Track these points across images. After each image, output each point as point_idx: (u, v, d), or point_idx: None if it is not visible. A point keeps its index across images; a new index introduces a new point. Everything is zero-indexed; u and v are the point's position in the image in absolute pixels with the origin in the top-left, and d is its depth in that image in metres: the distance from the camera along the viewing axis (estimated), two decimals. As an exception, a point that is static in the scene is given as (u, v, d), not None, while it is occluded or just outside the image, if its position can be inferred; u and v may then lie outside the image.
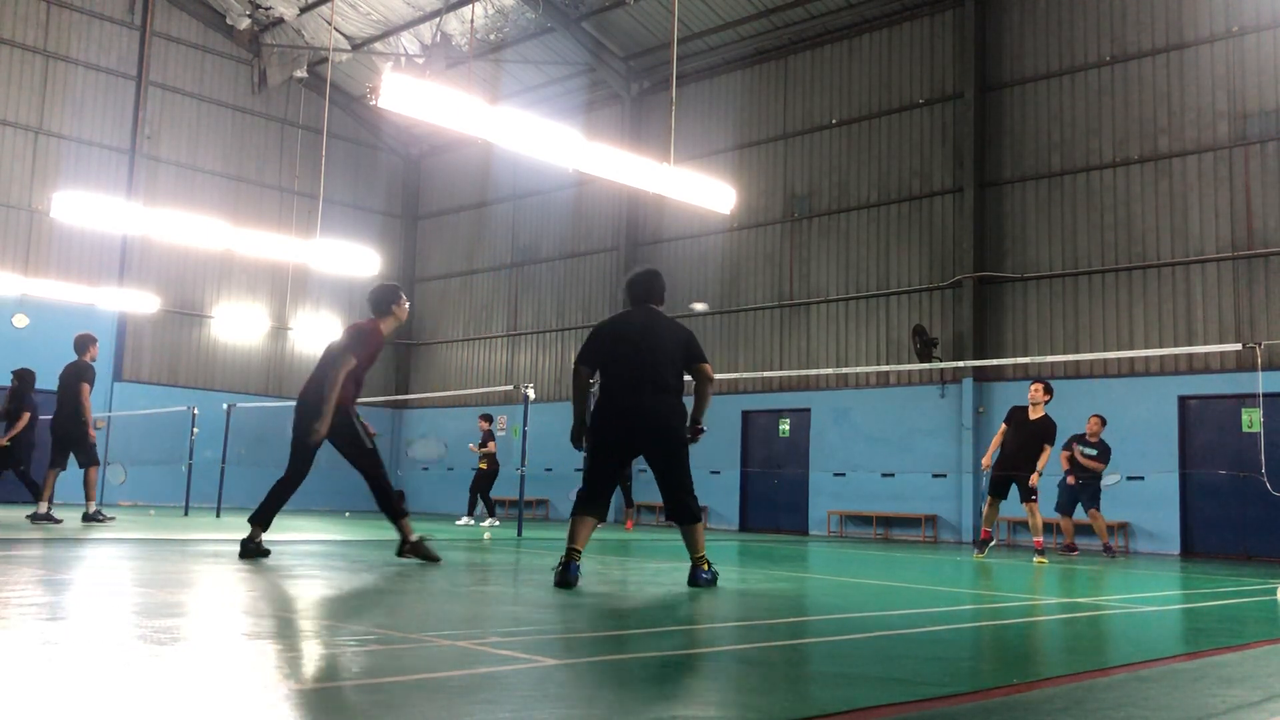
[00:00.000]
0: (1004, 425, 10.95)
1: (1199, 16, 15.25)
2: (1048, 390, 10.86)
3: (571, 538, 5.89)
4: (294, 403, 7.42)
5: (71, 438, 11.40)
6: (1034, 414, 10.76)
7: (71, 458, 11.52)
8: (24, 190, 20.60)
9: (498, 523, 15.68)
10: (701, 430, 6.16)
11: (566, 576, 5.67)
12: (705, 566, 6.06)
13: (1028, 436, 10.66)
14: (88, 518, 11.37)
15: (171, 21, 22.76)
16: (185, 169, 22.71)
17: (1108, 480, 13.32)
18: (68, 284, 19.68)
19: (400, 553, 7.13)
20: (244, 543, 7.03)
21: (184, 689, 2.60)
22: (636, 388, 6.01)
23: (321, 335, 24.77)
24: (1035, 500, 10.67)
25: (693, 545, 6.09)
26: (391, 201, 26.59)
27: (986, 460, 11.04)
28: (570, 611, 4.70)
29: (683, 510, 6.07)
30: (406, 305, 7.59)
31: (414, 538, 7.15)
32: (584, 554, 6.30)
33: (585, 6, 20.51)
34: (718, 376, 18.00)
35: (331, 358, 7.22)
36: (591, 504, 6.02)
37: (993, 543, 11.12)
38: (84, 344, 11.70)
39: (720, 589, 6.29)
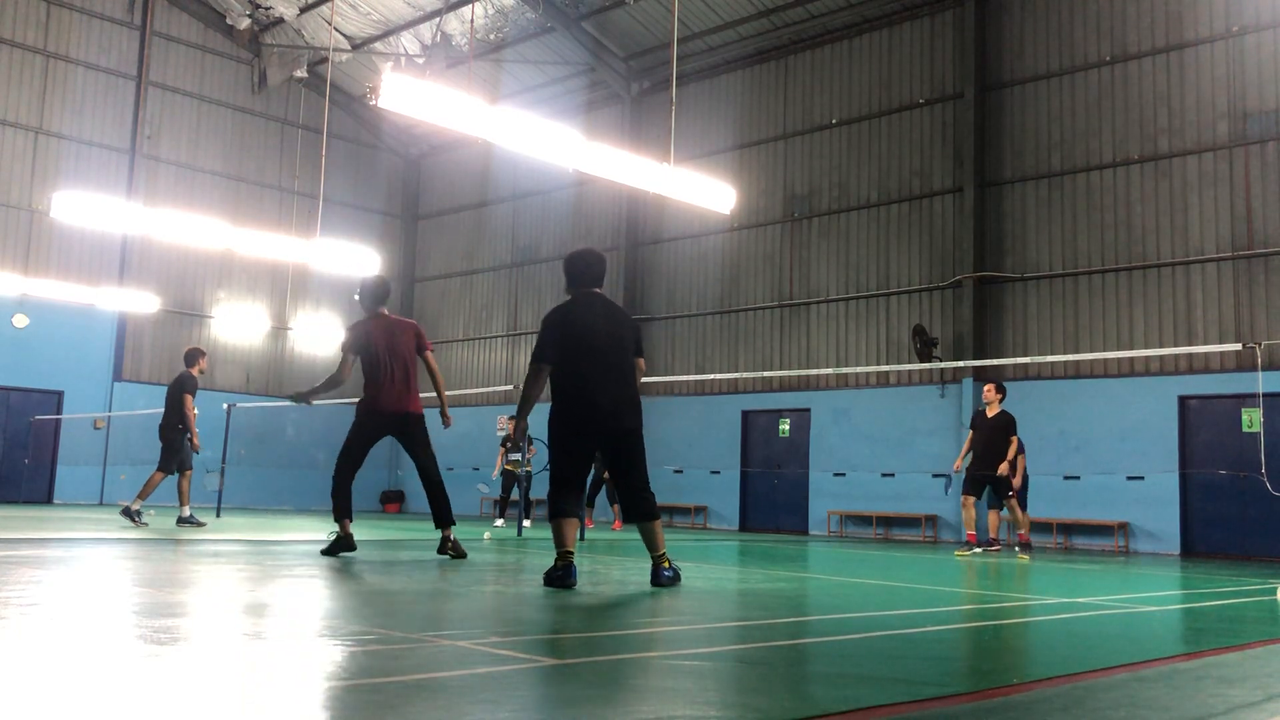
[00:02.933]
0: (970, 431, 11.63)
1: (1199, 16, 15.25)
2: (999, 389, 11.49)
3: (561, 541, 5.81)
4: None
5: (163, 441, 12.02)
6: (991, 412, 11.39)
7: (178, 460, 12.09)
8: (24, 190, 20.60)
9: (501, 523, 16.07)
10: None
11: (567, 580, 5.64)
12: (666, 564, 5.95)
13: (990, 433, 11.26)
14: (127, 512, 11.81)
15: (171, 21, 22.76)
16: (185, 169, 22.71)
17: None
18: (68, 284, 19.69)
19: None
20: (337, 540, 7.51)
21: (183, 689, 2.60)
22: (607, 383, 5.90)
23: (322, 335, 24.79)
24: (1013, 497, 11.31)
25: (654, 543, 5.94)
26: (391, 201, 26.59)
27: (959, 463, 11.62)
28: (569, 611, 4.70)
29: (646, 507, 5.93)
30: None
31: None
32: (587, 555, 6.30)
33: (585, 6, 20.51)
34: (718, 376, 18.20)
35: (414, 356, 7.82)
36: (573, 504, 5.95)
37: (978, 548, 11.35)
38: (192, 356, 12.16)
39: (720, 589, 6.28)
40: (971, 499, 11.39)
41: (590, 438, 5.95)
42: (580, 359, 5.94)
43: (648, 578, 6.15)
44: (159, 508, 18.67)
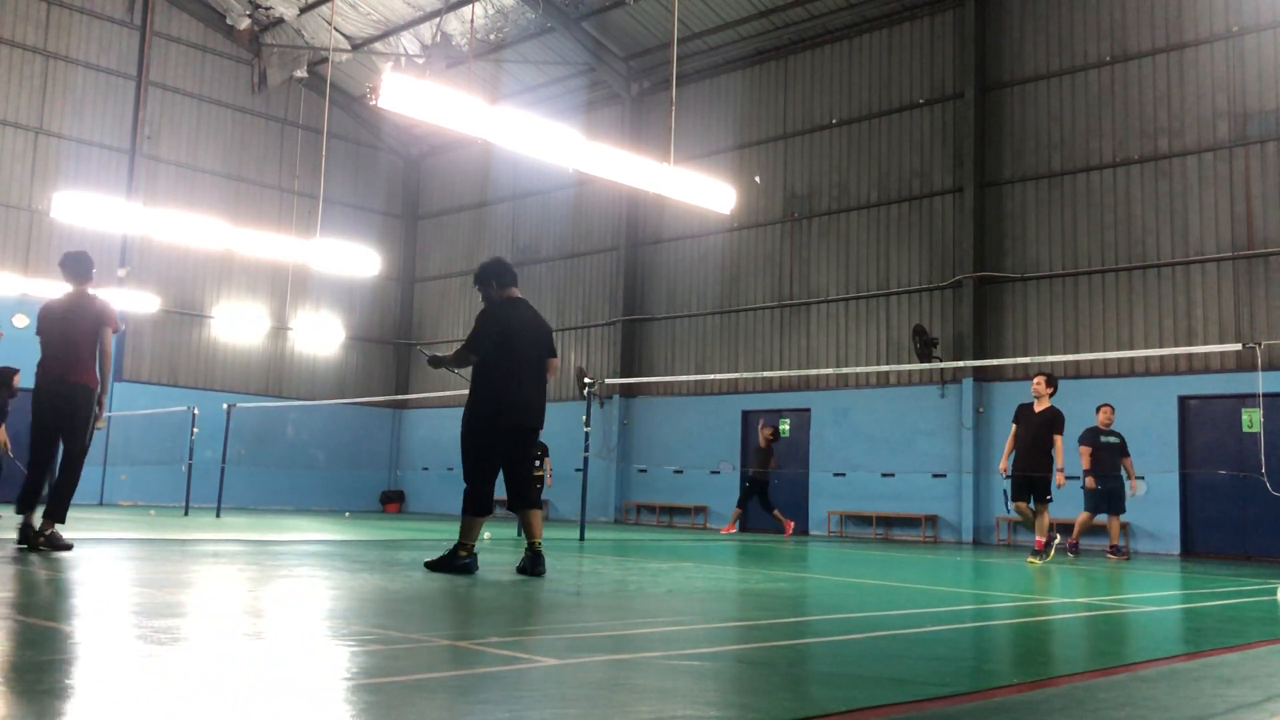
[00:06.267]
0: (1014, 425, 10.64)
1: (1199, 16, 15.25)
2: (1050, 382, 10.54)
3: (470, 536, 6.29)
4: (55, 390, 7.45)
5: None
6: (1039, 406, 10.47)
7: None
8: (24, 190, 20.60)
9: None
10: None
11: (472, 568, 6.22)
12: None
13: (1036, 430, 10.35)
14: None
15: (171, 21, 22.75)
16: (185, 169, 22.71)
17: (1138, 490, 12.85)
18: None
19: (32, 543, 6.97)
20: (24, 530, 6.97)
21: (183, 689, 2.60)
22: (530, 382, 6.35)
23: (322, 336, 24.81)
24: (1049, 502, 10.39)
25: (535, 530, 6.37)
26: (391, 201, 26.59)
27: (1004, 465, 10.66)
28: (569, 611, 4.70)
29: (533, 497, 6.50)
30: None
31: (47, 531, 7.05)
32: (587, 555, 6.39)
33: (585, 6, 20.51)
34: (718, 376, 18.19)
35: (90, 332, 7.51)
36: (489, 503, 6.36)
37: (1055, 543, 10.44)
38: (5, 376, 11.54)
39: (720, 589, 6.29)
40: (1024, 504, 10.36)
41: (509, 433, 6.33)
42: (510, 357, 6.33)
43: (648, 577, 6.16)
44: (159, 508, 18.68)
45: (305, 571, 6.31)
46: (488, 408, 6.27)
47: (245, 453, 21.12)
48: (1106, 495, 12.07)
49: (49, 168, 20.87)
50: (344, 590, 5.27)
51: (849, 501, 17.84)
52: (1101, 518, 12.28)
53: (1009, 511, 10.98)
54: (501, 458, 6.36)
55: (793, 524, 16.96)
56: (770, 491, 17.00)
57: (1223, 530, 14.39)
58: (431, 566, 6.36)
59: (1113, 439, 12.21)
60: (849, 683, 3.06)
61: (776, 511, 16.81)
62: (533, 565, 6.24)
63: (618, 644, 3.79)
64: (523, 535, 7.23)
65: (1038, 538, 10.36)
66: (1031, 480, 10.35)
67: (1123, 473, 12.27)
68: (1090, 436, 12.23)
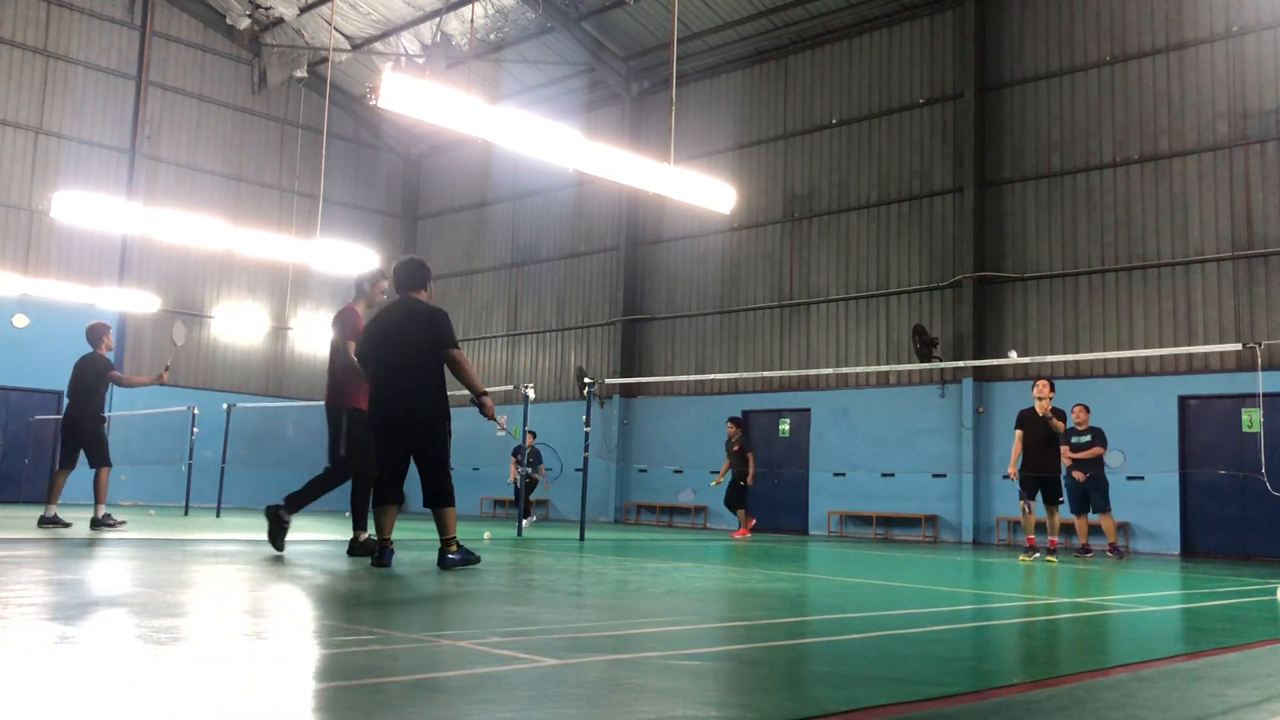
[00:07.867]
0: (1018, 431, 11.06)
1: (1199, 16, 15.25)
2: (1052, 386, 11.12)
3: (380, 529, 6.59)
4: (319, 404, 7.94)
5: (83, 435, 10.49)
6: (1042, 409, 10.91)
7: (82, 456, 10.59)
8: (24, 190, 20.60)
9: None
10: (489, 409, 6.73)
11: (383, 561, 6.46)
12: (454, 549, 6.58)
13: (1044, 432, 10.82)
14: (97, 524, 10.31)
15: (171, 21, 22.76)
16: (185, 169, 22.71)
17: (1112, 462, 13.06)
18: (68, 284, 19.67)
19: (350, 550, 7.54)
20: (351, 544, 7.55)
21: (184, 689, 2.60)
22: (397, 377, 6.57)
23: (321, 335, 24.81)
24: (1061, 503, 10.92)
25: (442, 528, 6.60)
26: (391, 201, 26.59)
27: (1012, 470, 11.04)
28: (570, 611, 4.71)
29: (436, 495, 6.60)
30: (382, 286, 8.05)
31: (362, 538, 7.55)
32: (587, 555, 6.39)
33: (585, 6, 20.51)
34: (718, 376, 18.18)
35: (332, 354, 7.75)
36: (389, 492, 6.69)
37: (1038, 553, 10.79)
38: (97, 333, 10.71)
39: (720, 589, 6.29)
40: (1030, 503, 10.88)
41: (385, 427, 6.63)
42: (381, 357, 6.67)
43: (648, 577, 6.16)
44: (159, 507, 18.68)
45: (305, 571, 6.31)
46: (369, 407, 6.81)
47: (245, 453, 21.12)
48: (1082, 494, 12.26)
49: (49, 168, 20.88)
50: (343, 590, 5.26)
51: (849, 501, 17.84)
52: (1093, 516, 12.43)
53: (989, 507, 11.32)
54: (398, 451, 6.66)
55: (753, 523, 15.87)
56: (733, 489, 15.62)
57: (1223, 530, 14.39)
58: (372, 561, 6.64)
59: (1084, 438, 12.39)
60: (849, 683, 3.06)
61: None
62: (440, 560, 6.53)
63: (618, 644, 3.79)
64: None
65: (1050, 537, 10.82)
66: (1043, 481, 10.84)
67: (1104, 469, 12.43)
68: (1064, 437, 12.45)
